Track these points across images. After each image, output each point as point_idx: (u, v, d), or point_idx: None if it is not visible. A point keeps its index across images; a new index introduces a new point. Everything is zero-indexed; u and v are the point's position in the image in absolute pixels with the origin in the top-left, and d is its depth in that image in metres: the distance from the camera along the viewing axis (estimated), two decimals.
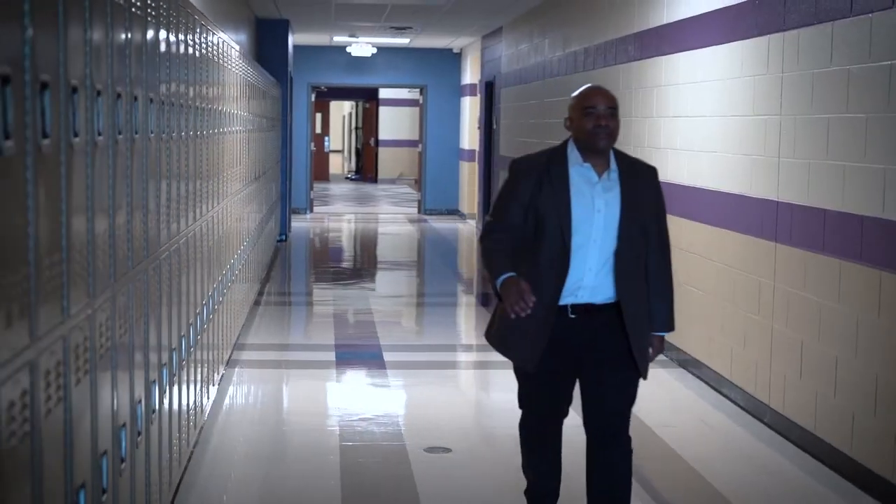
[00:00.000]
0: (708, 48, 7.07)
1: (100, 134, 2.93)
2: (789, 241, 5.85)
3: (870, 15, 5.02)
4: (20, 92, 2.20)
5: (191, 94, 4.96)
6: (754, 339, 6.28)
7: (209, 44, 5.79)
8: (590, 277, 3.86)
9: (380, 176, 30.84)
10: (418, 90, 20.63)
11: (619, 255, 3.86)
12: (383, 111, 30.52)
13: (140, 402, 3.60)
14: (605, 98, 3.89)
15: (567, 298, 3.87)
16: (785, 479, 5.28)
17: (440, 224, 18.43)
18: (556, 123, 11.68)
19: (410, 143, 29.92)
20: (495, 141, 15.86)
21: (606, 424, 3.97)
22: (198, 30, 5.27)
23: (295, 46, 17.23)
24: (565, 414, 4.16)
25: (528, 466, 4.31)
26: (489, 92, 16.45)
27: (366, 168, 32.27)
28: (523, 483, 5.10)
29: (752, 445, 5.79)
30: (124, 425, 3.31)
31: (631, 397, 3.98)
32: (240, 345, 7.86)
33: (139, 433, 3.59)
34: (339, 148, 37.06)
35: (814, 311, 5.56)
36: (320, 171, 29.32)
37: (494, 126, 15.97)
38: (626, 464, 3.99)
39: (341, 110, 37.21)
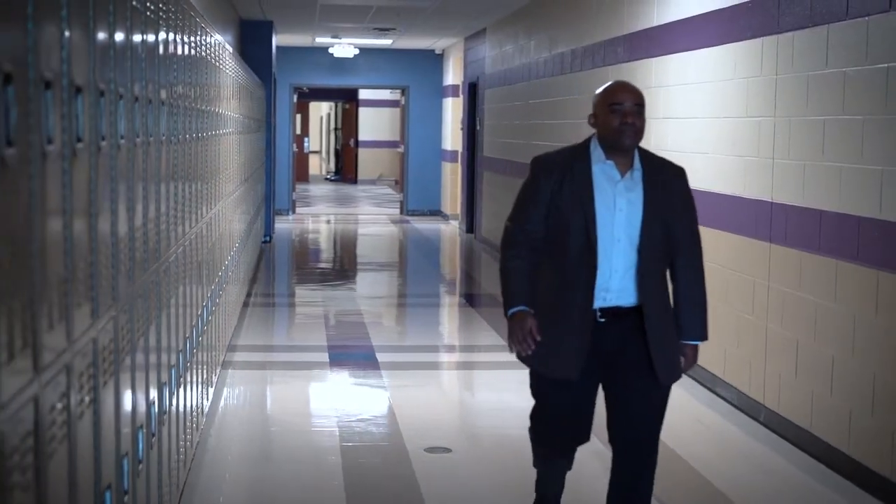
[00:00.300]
0: (699, 50, 7.12)
1: (122, 137, 2.95)
2: (784, 242, 5.91)
3: (866, 18, 5.08)
4: (59, 96, 2.22)
5: (193, 96, 4.98)
6: (748, 339, 6.34)
7: (208, 46, 5.80)
8: (616, 279, 3.75)
9: (360, 177, 30.84)
10: (399, 91, 20.65)
11: (640, 256, 3.74)
12: (363, 112, 30.53)
13: (153, 403, 3.62)
14: (632, 94, 3.76)
15: (595, 302, 3.75)
16: (783, 477, 5.33)
17: (423, 225, 18.45)
18: (542, 125, 11.73)
19: (390, 144, 29.96)
20: (479, 142, 15.90)
21: (629, 427, 3.83)
22: (198, 32, 5.29)
23: (277, 47, 17.22)
24: (585, 437, 3.99)
25: (540, 469, 4.22)
26: (472, 93, 16.49)
27: (345, 169, 32.27)
28: (526, 481, 5.14)
29: (749, 443, 5.85)
30: (141, 427, 3.33)
31: (660, 403, 3.83)
32: (231, 346, 7.86)
33: (153, 434, 3.61)
34: (317, 149, 37.05)
35: (809, 310, 5.62)
36: (300, 172, 29.29)
37: (478, 127, 16.01)
38: (648, 487, 3.87)
39: (318, 111, 37.19)
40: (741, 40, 6.47)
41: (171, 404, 4.10)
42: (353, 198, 25.48)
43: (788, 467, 5.46)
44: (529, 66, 12.47)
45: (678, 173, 3.91)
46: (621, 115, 3.71)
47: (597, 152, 3.80)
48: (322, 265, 14.25)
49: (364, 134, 30.64)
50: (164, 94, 3.87)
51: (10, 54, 1.87)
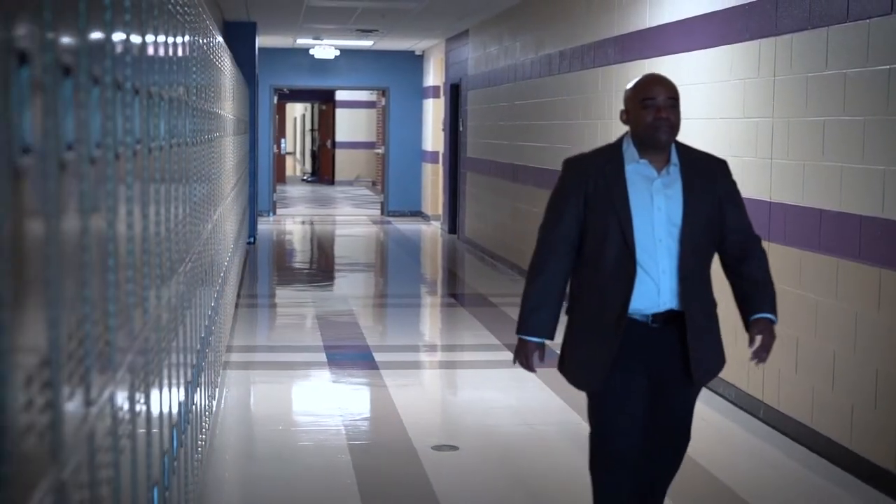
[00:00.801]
0: (695, 52, 7.21)
1: (162, 139, 2.99)
2: (783, 241, 6.00)
3: (867, 20, 5.18)
4: (122, 100, 2.26)
5: (204, 98, 5.02)
6: (745, 337, 6.40)
7: (213, 47, 5.84)
8: (666, 280, 3.56)
9: (337, 178, 30.86)
10: (376, 92, 20.67)
11: (681, 254, 3.56)
12: (340, 113, 30.56)
13: (183, 402, 3.66)
14: (665, 87, 3.57)
15: (649, 307, 3.58)
16: (786, 471, 5.42)
17: (404, 226, 18.50)
18: (529, 126, 11.80)
19: (367, 146, 30.01)
20: (462, 143, 15.96)
21: (665, 429, 3.74)
22: (208, 33, 5.32)
23: (258, 48, 17.22)
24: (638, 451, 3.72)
25: None
26: (454, 94, 16.55)
27: (322, 170, 32.28)
28: (532, 477, 5.22)
29: (750, 439, 5.94)
30: (176, 425, 3.37)
31: (692, 406, 3.79)
32: (227, 347, 7.88)
33: (183, 433, 3.65)
34: (291, 150, 37.06)
35: (810, 308, 5.71)
36: (278, 173, 29.27)
37: (461, 128, 16.06)
38: (666, 487, 3.87)
39: (293, 112, 37.19)
40: (738, 42, 6.56)
41: (192, 403, 4.14)
42: (331, 199, 25.49)
43: (790, 461, 5.55)
44: (515, 67, 12.54)
45: (720, 165, 3.74)
46: (654, 109, 3.53)
47: (630, 151, 3.63)
48: (308, 266, 14.27)
49: (341, 135, 30.66)
50: (188, 96, 3.91)
51: (95, 58, 1.91)
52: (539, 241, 3.74)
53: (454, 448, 5.62)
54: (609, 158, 3.66)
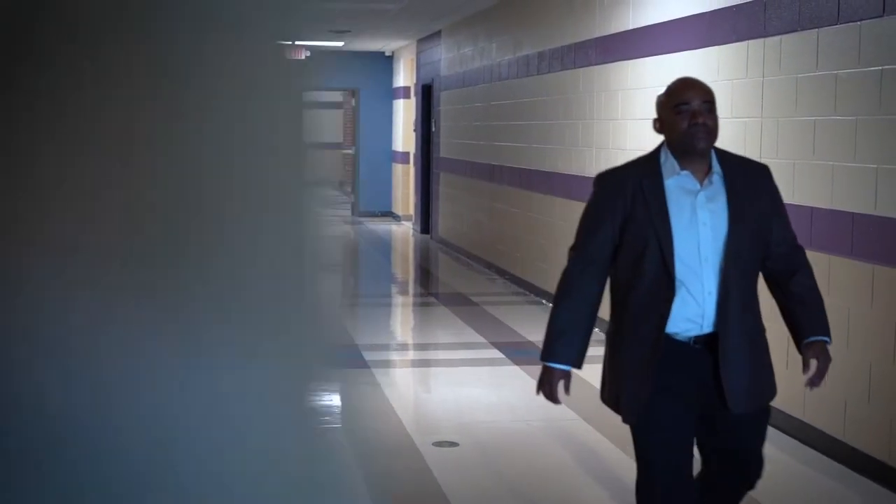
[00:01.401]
0: (680, 53, 7.32)
1: None
2: None
3: (858, 23, 5.30)
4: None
5: None
6: None
7: None
8: (711, 303, 3.32)
9: None
10: (341, 93, 20.67)
11: (725, 273, 3.32)
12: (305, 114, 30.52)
13: None
14: (699, 91, 3.36)
15: (692, 330, 3.34)
16: (781, 465, 5.53)
17: (376, 226, 18.56)
18: (506, 126, 11.89)
19: (332, 146, 30.00)
20: (434, 143, 16.03)
21: (736, 459, 3.54)
22: None
23: None
24: (692, 487, 3.49)
25: None
26: (426, 94, 16.62)
27: None
28: (534, 472, 5.30)
29: None
30: None
31: (757, 433, 3.59)
32: None
33: None
34: None
35: None
36: None
37: (433, 129, 16.14)
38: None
39: None
40: (724, 43, 6.67)
41: None
42: None
43: (782, 455, 5.66)
44: (491, 67, 12.62)
45: (762, 172, 3.51)
46: (689, 115, 3.31)
47: (668, 163, 3.38)
48: None
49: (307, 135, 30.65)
50: None
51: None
52: (569, 262, 3.50)
53: (454, 444, 5.69)
54: (647, 172, 3.40)
